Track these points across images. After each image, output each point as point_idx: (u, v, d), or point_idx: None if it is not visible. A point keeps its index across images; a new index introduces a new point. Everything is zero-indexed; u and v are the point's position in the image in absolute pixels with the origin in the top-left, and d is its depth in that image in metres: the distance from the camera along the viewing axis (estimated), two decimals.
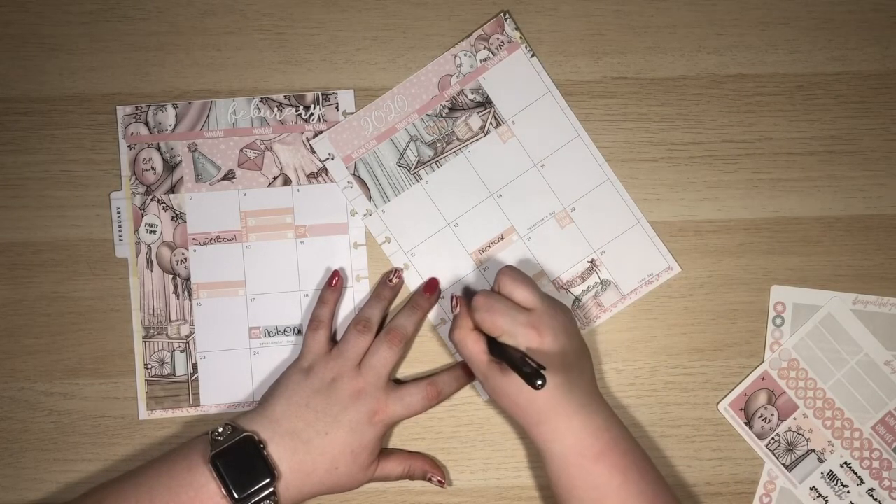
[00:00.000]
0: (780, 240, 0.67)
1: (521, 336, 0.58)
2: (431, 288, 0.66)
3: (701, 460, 0.66)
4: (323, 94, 0.67)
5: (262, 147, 0.67)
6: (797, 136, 0.67)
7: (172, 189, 0.67)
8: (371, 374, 0.62)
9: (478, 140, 0.67)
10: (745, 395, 0.66)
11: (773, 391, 0.66)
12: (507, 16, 0.67)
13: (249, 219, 0.67)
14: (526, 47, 0.67)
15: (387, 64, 0.67)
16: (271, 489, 0.58)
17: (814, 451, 0.66)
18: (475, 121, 0.67)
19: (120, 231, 0.67)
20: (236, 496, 0.57)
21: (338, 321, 0.66)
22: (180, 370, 0.66)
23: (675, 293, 0.67)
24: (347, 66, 0.67)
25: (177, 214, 0.67)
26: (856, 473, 0.66)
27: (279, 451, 0.59)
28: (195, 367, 0.66)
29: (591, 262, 0.67)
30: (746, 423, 0.66)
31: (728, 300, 0.66)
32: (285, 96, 0.67)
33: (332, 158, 0.67)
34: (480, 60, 0.67)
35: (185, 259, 0.67)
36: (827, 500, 0.66)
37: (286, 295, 0.67)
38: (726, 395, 0.66)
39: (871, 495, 0.65)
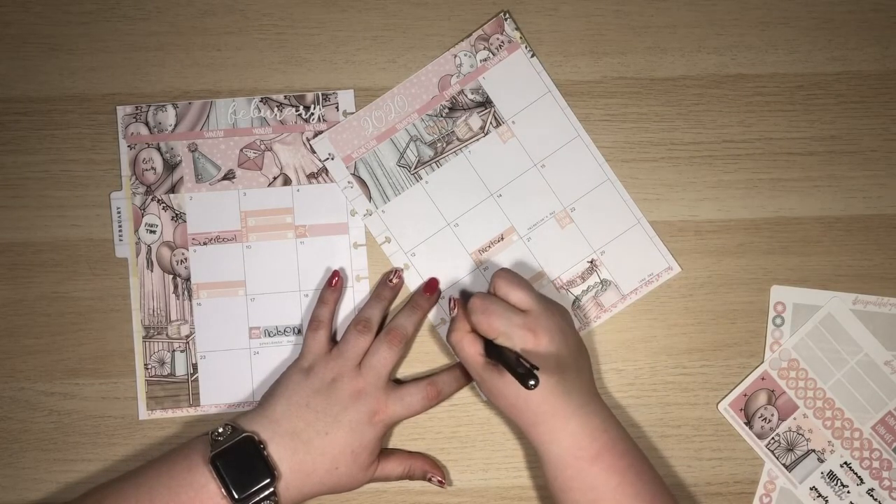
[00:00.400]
0: (780, 240, 0.67)
1: (517, 338, 0.58)
2: (431, 288, 0.66)
3: (701, 460, 0.66)
4: (323, 94, 0.67)
5: (262, 147, 0.67)
6: (797, 136, 0.67)
7: (172, 189, 0.67)
8: (371, 374, 0.62)
9: (478, 140, 0.67)
10: (745, 395, 0.66)
11: (773, 391, 0.66)
12: (507, 16, 0.67)
13: (249, 219, 0.67)
14: (526, 47, 0.67)
15: (387, 64, 0.67)
16: (271, 489, 0.58)
17: (814, 451, 0.66)
18: (475, 121, 0.67)
19: (120, 231, 0.67)
20: (236, 496, 0.57)
21: (338, 321, 0.66)
22: (180, 370, 0.66)
23: (675, 293, 0.67)
24: (347, 66, 0.67)
25: (177, 214, 0.67)
26: (856, 473, 0.66)
27: (279, 452, 0.59)
28: (195, 367, 0.66)
29: (591, 262, 0.67)
30: (746, 423, 0.66)
31: (728, 300, 0.67)
32: (285, 96, 0.67)
33: (332, 158, 0.67)
34: (480, 60, 0.67)
35: (185, 259, 0.67)
36: (827, 500, 0.66)
37: (286, 295, 0.67)
38: (726, 395, 0.66)
39: (871, 495, 0.65)
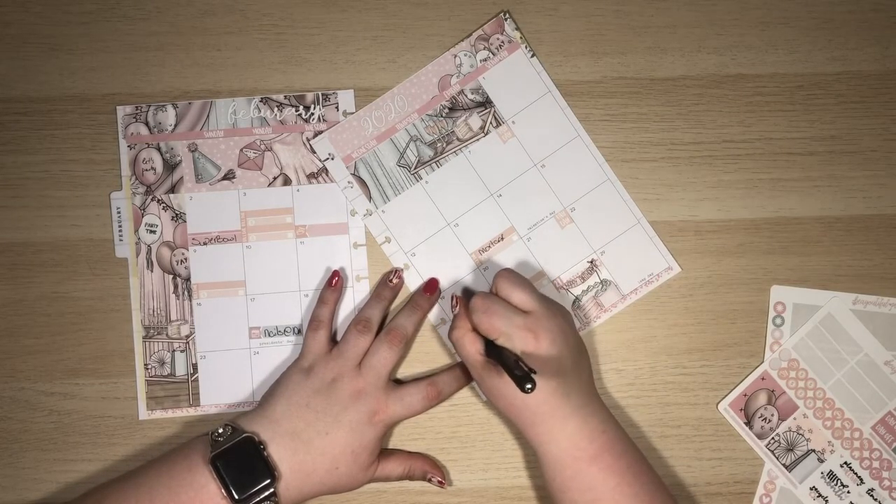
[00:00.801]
0: (780, 240, 0.67)
1: (518, 339, 0.58)
2: (431, 288, 0.66)
3: (701, 460, 0.66)
4: (323, 94, 0.67)
5: (262, 147, 0.67)
6: (797, 136, 0.67)
7: (172, 189, 0.67)
8: (371, 374, 0.62)
9: (478, 140, 0.67)
10: (745, 395, 0.66)
11: (773, 391, 0.66)
12: (507, 16, 0.67)
13: (249, 219, 0.67)
14: (526, 47, 0.67)
15: (387, 64, 0.67)
16: (272, 490, 0.58)
17: (814, 451, 0.66)
18: (475, 121, 0.67)
19: (120, 231, 0.67)
20: (236, 497, 0.57)
21: (338, 321, 0.66)
22: (180, 370, 0.66)
23: (675, 293, 0.67)
24: (347, 66, 0.67)
25: (177, 214, 0.67)
26: (856, 473, 0.66)
27: (279, 452, 0.59)
28: (195, 367, 0.66)
29: (591, 262, 0.67)
30: (746, 423, 0.66)
31: (728, 300, 0.67)
32: (285, 96, 0.67)
33: (332, 158, 0.67)
34: (480, 60, 0.67)
35: (185, 259, 0.67)
36: (827, 500, 0.66)
37: (286, 295, 0.67)
38: (726, 395, 0.66)
39: (871, 495, 0.66)
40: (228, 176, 0.67)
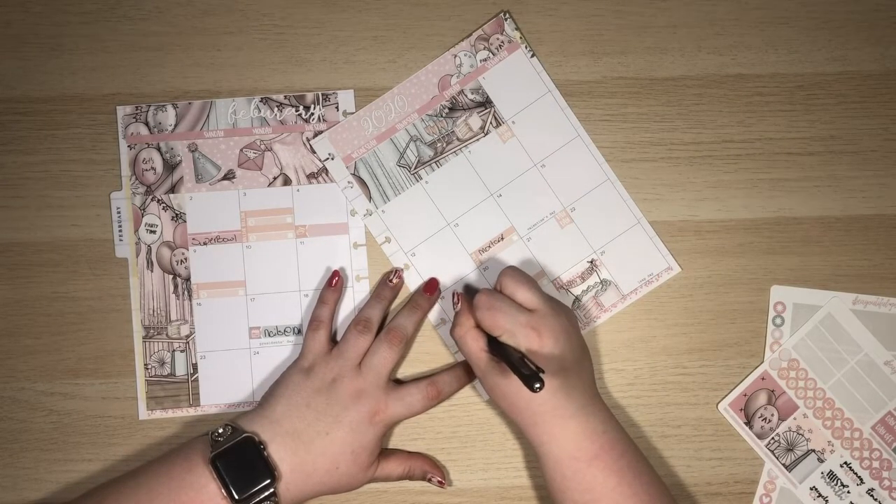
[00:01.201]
0: (780, 240, 0.67)
1: (522, 336, 0.58)
2: (431, 288, 0.66)
3: (701, 460, 0.66)
4: (323, 94, 0.67)
5: (262, 147, 0.67)
6: (797, 136, 0.67)
7: (172, 189, 0.67)
8: (371, 374, 0.62)
9: (478, 140, 0.67)
10: (745, 395, 0.66)
11: (773, 391, 0.66)
12: (507, 16, 0.67)
13: (249, 219, 0.67)
14: (526, 47, 0.67)
15: (387, 64, 0.67)
16: (272, 490, 0.58)
17: (814, 451, 0.66)
18: (475, 121, 0.67)
19: (120, 231, 0.67)
20: (236, 497, 0.57)
21: (338, 321, 0.66)
22: (180, 370, 0.66)
23: (675, 293, 0.67)
24: (347, 66, 0.67)
25: (177, 214, 0.67)
26: (856, 473, 0.66)
27: (280, 452, 0.59)
28: (195, 367, 0.66)
29: (591, 262, 0.67)
30: (746, 423, 0.66)
31: (728, 300, 0.67)
32: (285, 96, 0.67)
33: (332, 158, 0.67)
34: (480, 60, 0.67)
35: (185, 259, 0.67)
36: (827, 500, 0.66)
37: (286, 295, 0.67)
38: (726, 395, 0.66)
39: (871, 495, 0.66)
40: (228, 176, 0.67)
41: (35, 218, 0.66)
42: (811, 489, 0.66)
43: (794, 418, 0.66)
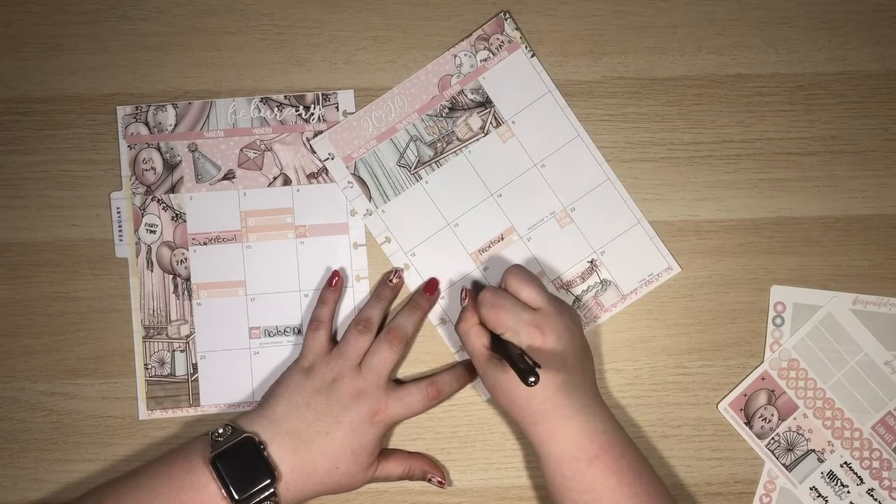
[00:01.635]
0: (780, 240, 0.67)
1: (525, 334, 0.58)
2: (431, 288, 0.66)
3: (701, 460, 0.66)
4: (323, 94, 0.67)
5: (262, 147, 0.67)
6: (797, 136, 0.67)
7: (172, 189, 0.67)
8: (371, 374, 0.62)
9: (478, 140, 0.67)
10: (745, 395, 0.66)
11: (773, 391, 0.66)
12: (507, 16, 0.67)
13: (249, 219, 0.67)
14: (526, 47, 0.67)
15: (387, 64, 0.67)
16: (272, 490, 0.58)
17: (814, 451, 0.66)
18: (475, 121, 0.67)
19: (120, 231, 0.67)
20: (236, 497, 0.57)
21: (338, 321, 0.66)
22: (180, 370, 0.66)
23: (675, 293, 0.67)
24: (347, 66, 0.67)
25: (177, 214, 0.67)
26: (856, 473, 0.66)
27: (280, 452, 0.59)
28: (195, 367, 0.66)
29: (592, 262, 0.67)
30: (746, 423, 0.66)
31: (728, 300, 0.67)
32: (285, 96, 0.67)
33: (332, 158, 0.67)
34: (480, 60, 0.67)
35: (185, 259, 0.67)
36: (827, 500, 0.66)
37: (286, 295, 0.67)
38: (726, 395, 0.66)
39: (871, 495, 0.66)
40: (228, 176, 0.67)
41: (35, 218, 0.66)
42: (811, 489, 0.66)
43: (794, 418, 0.66)
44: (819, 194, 0.67)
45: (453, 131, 0.67)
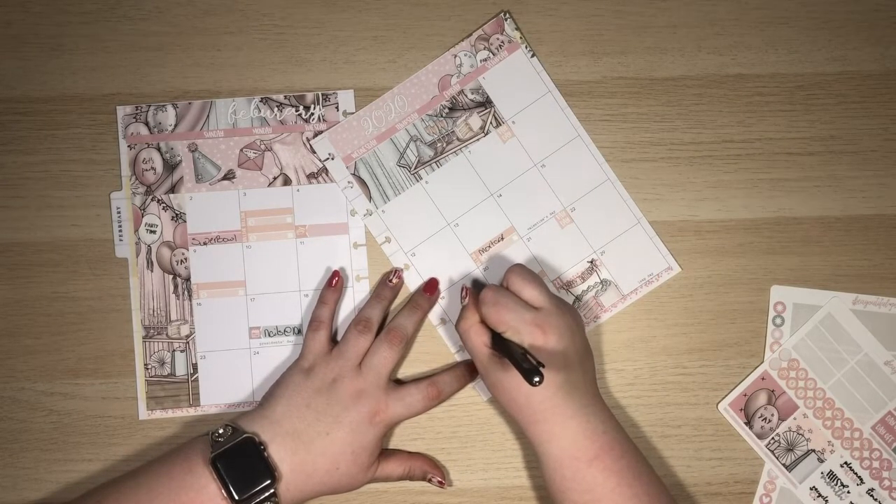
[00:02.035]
0: (780, 240, 0.67)
1: (526, 333, 0.58)
2: (431, 288, 0.66)
3: (701, 460, 0.66)
4: (323, 94, 0.67)
5: (262, 147, 0.67)
6: (797, 136, 0.67)
7: (172, 189, 0.67)
8: (371, 374, 0.62)
9: (478, 140, 0.67)
10: (745, 395, 0.66)
11: (773, 391, 0.66)
12: (507, 16, 0.67)
13: (249, 219, 0.67)
14: (526, 47, 0.67)
15: (387, 64, 0.67)
16: (272, 490, 0.58)
17: (814, 451, 0.66)
18: (475, 121, 0.67)
19: (120, 231, 0.67)
20: (237, 497, 0.57)
21: (338, 321, 0.66)
22: (180, 370, 0.66)
23: (675, 293, 0.67)
24: (347, 66, 0.67)
25: (177, 214, 0.67)
26: (856, 473, 0.66)
27: (280, 452, 0.59)
28: (195, 367, 0.66)
29: (592, 262, 0.67)
30: (746, 423, 0.66)
31: (728, 300, 0.67)
32: (285, 96, 0.67)
33: (332, 158, 0.67)
34: (480, 60, 0.67)
35: (185, 259, 0.67)
36: (827, 500, 0.66)
37: (286, 295, 0.67)
38: (726, 395, 0.66)
39: (871, 495, 0.66)
40: (228, 176, 0.67)
41: (35, 218, 0.66)
42: (811, 489, 0.66)
43: (794, 418, 0.66)
44: (819, 194, 0.67)
45: (453, 131, 0.67)
